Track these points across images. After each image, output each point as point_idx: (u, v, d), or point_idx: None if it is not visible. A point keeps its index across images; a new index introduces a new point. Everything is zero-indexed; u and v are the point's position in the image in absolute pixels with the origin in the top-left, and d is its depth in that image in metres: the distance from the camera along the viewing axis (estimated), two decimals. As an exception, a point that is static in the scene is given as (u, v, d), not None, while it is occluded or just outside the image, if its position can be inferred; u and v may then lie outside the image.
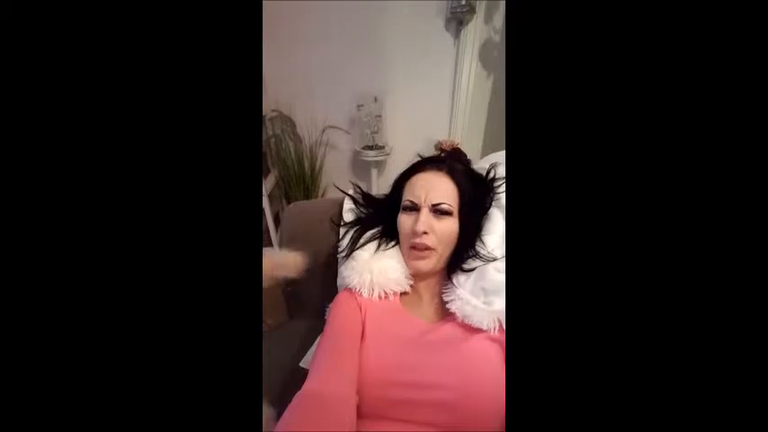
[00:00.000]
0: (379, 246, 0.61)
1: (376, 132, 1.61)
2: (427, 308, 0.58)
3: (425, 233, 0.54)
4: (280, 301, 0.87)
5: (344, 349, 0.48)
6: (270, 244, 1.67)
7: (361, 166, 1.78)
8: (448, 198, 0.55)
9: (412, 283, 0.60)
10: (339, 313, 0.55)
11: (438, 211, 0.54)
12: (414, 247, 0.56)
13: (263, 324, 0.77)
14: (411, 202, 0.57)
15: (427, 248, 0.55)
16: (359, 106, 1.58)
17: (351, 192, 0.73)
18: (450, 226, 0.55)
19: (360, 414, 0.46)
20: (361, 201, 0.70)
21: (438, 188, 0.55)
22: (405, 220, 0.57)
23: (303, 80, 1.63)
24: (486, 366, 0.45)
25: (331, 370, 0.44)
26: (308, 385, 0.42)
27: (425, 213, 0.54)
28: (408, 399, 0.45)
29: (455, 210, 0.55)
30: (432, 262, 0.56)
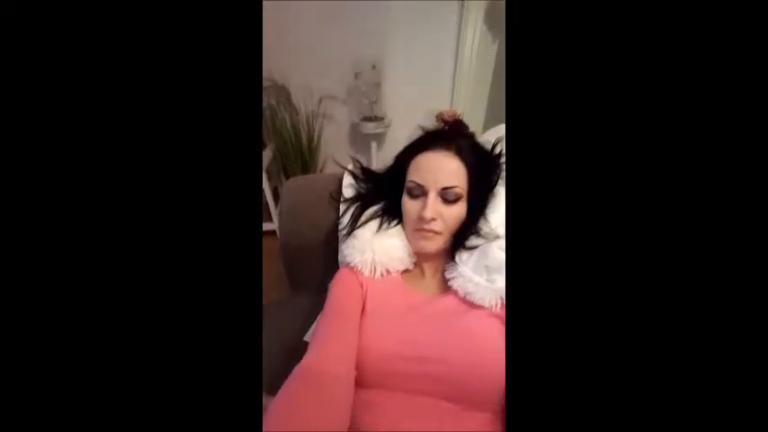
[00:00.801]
0: (381, 224, 0.60)
1: (375, 102, 1.55)
2: (429, 282, 0.58)
3: (433, 219, 0.51)
4: (281, 277, 0.87)
5: (343, 326, 0.48)
6: (269, 219, 1.66)
7: (360, 139, 1.73)
8: (457, 180, 0.51)
9: (415, 260, 0.59)
10: (339, 290, 0.54)
11: (447, 197, 0.52)
12: (419, 230, 0.54)
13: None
14: (417, 184, 0.53)
15: (434, 232, 0.53)
16: (356, 74, 1.50)
17: (350, 166, 0.71)
18: (459, 210, 0.53)
19: (361, 384, 0.48)
20: (360, 176, 0.68)
21: (447, 170, 0.52)
22: (410, 205, 0.54)
23: (297, 46, 1.54)
24: (487, 343, 0.46)
25: (329, 346, 0.44)
26: (306, 360, 0.42)
27: (433, 198, 0.51)
28: (408, 371, 0.46)
29: (464, 193, 0.52)
30: (438, 243, 0.54)
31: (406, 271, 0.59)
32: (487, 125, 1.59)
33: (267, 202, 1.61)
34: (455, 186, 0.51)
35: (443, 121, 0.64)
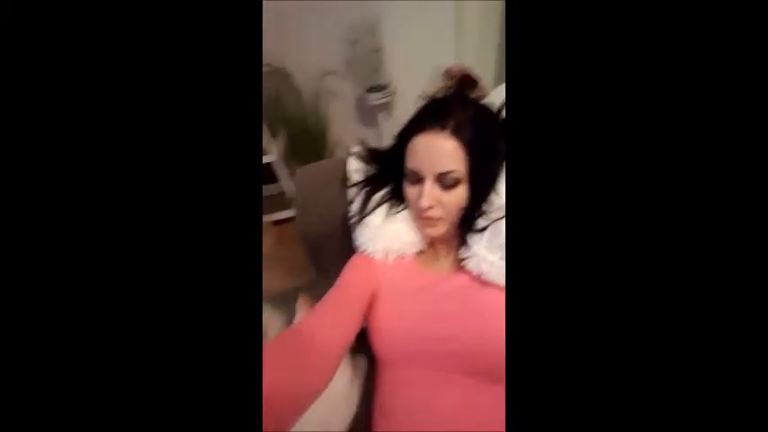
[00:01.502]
0: (389, 209, 0.59)
1: (377, 70, 1.48)
2: (443, 263, 0.57)
3: (431, 207, 0.49)
4: (306, 263, 0.90)
5: (343, 300, 0.49)
6: (288, 206, 1.69)
7: (367, 112, 1.68)
8: (454, 164, 0.47)
9: (428, 240, 0.59)
10: (348, 273, 0.55)
11: (445, 182, 0.48)
12: (421, 217, 0.53)
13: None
14: (413, 171, 0.50)
15: (435, 219, 0.52)
16: (353, 42, 1.43)
17: (355, 148, 0.69)
18: (460, 194, 0.49)
19: (391, 362, 0.50)
20: (366, 158, 0.66)
21: (442, 154, 0.47)
22: (410, 191, 0.53)
23: (287, 23, 1.47)
24: (502, 319, 0.46)
25: (324, 317, 0.45)
26: (299, 324, 0.43)
27: (430, 186, 0.48)
28: (428, 350, 0.48)
29: (464, 175, 0.48)
30: (442, 228, 0.53)
31: (420, 252, 0.60)
32: (496, 82, 1.48)
33: (284, 191, 1.64)
34: (452, 171, 0.47)
35: (452, 77, 0.60)
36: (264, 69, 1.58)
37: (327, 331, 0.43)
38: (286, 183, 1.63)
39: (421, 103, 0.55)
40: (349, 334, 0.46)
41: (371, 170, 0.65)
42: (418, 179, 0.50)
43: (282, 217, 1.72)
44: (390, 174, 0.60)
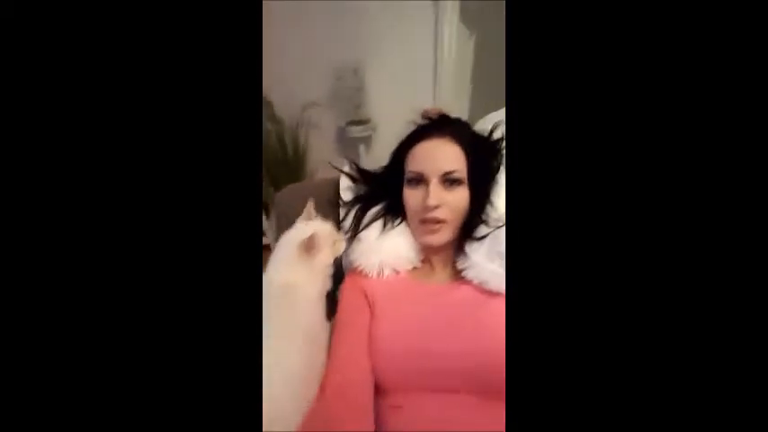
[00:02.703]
0: (385, 224, 0.58)
1: (359, 107, 1.54)
2: (440, 275, 0.56)
3: (437, 207, 0.50)
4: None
5: (354, 336, 0.49)
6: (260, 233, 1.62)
7: (347, 144, 1.71)
8: (457, 164, 0.51)
9: (422, 257, 0.57)
10: (345, 302, 0.54)
11: (449, 180, 0.51)
12: (424, 222, 0.52)
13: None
14: (417, 173, 0.52)
15: (439, 222, 0.51)
16: (338, 78, 1.49)
17: (346, 168, 0.68)
18: (462, 195, 0.51)
19: (383, 388, 0.46)
20: (358, 177, 0.65)
21: (446, 155, 0.51)
22: (412, 195, 0.53)
23: (275, 56, 1.52)
24: None
25: (345, 358, 0.47)
26: (326, 378, 0.45)
27: (435, 185, 0.50)
28: (435, 368, 0.45)
29: (465, 176, 0.51)
30: (445, 235, 0.53)
31: (414, 269, 0.57)
32: (472, 118, 1.59)
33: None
34: (456, 170, 0.50)
35: (428, 118, 0.63)
36: (246, 97, 1.58)
37: (353, 374, 0.45)
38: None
39: (410, 127, 0.59)
40: (369, 365, 0.46)
41: (363, 188, 0.64)
42: (420, 182, 0.52)
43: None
44: (384, 190, 0.60)
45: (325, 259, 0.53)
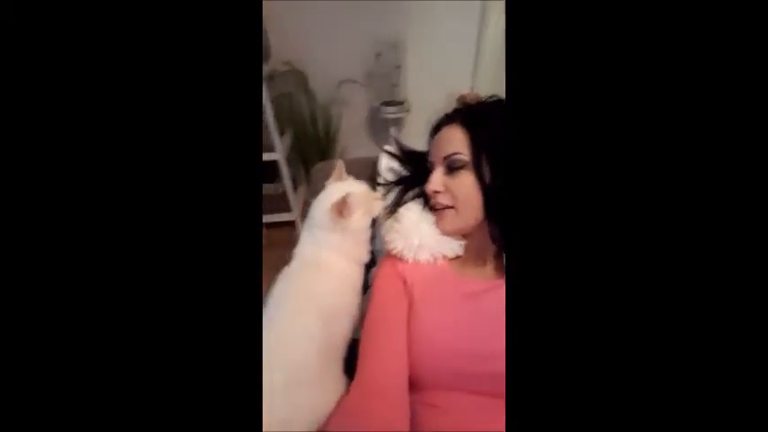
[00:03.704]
0: (424, 206, 0.56)
1: (396, 85, 1.50)
2: (483, 270, 0.54)
3: (437, 192, 0.50)
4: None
5: (389, 331, 0.47)
6: (288, 209, 1.63)
7: (378, 125, 1.68)
8: (458, 147, 0.49)
9: (464, 244, 0.55)
10: (381, 291, 0.52)
11: (451, 165, 0.49)
12: (433, 208, 0.53)
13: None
14: (429, 162, 0.53)
15: (445, 207, 0.50)
16: (377, 55, 1.45)
17: (389, 147, 0.66)
18: (466, 180, 0.48)
19: (419, 384, 0.45)
20: (402, 157, 0.63)
21: (448, 141, 0.50)
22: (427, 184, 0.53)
23: (315, 27, 1.48)
24: None
25: (381, 358, 0.45)
26: (360, 376, 0.43)
27: (438, 171, 0.51)
28: (468, 369, 0.43)
29: (469, 160, 0.48)
30: (454, 221, 0.50)
31: (453, 259, 0.56)
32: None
33: (285, 191, 1.58)
34: (455, 153, 0.48)
35: (465, 104, 0.60)
36: (283, 69, 1.57)
37: (389, 377, 0.43)
38: (287, 184, 1.58)
39: (437, 116, 0.57)
40: (405, 364, 0.45)
41: (406, 169, 0.62)
42: (432, 170, 0.52)
43: (277, 220, 1.65)
44: (425, 173, 0.58)
45: (360, 220, 0.51)
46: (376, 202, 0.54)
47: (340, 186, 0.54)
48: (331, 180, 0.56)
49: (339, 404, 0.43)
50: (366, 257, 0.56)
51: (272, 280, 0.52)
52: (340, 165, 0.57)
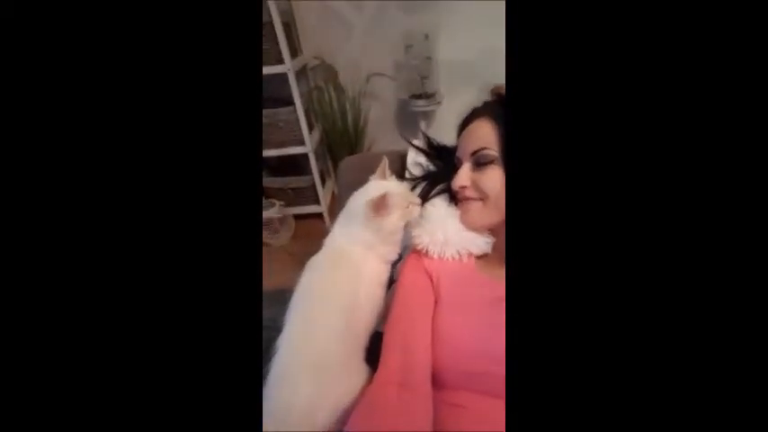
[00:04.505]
0: (450, 203, 0.54)
1: (426, 78, 1.46)
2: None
3: (464, 187, 0.49)
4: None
5: (414, 329, 0.46)
6: (316, 202, 1.66)
7: (407, 118, 1.66)
8: (486, 142, 0.47)
9: (492, 243, 0.53)
10: (406, 284, 0.51)
11: (478, 161, 0.48)
12: (459, 203, 0.52)
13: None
14: (457, 158, 0.52)
15: (470, 199, 0.50)
16: (407, 47, 1.42)
17: (417, 142, 0.65)
18: (495, 175, 0.47)
19: (443, 383, 0.44)
20: (430, 152, 0.62)
21: (476, 135, 0.49)
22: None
23: (344, 18, 1.48)
24: None
25: (404, 355, 0.44)
26: (382, 373, 0.43)
27: (465, 167, 0.50)
28: (490, 372, 0.41)
29: (498, 155, 0.47)
30: (481, 215, 0.49)
31: (483, 256, 0.54)
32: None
33: (315, 184, 1.61)
34: (483, 148, 0.47)
35: (498, 96, 0.57)
36: (313, 62, 1.59)
37: (411, 375, 0.43)
38: (315, 177, 1.60)
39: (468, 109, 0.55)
40: (429, 362, 0.44)
41: (434, 164, 0.61)
42: (458, 166, 0.51)
43: (306, 212, 1.69)
44: (453, 168, 0.56)
45: (395, 222, 0.51)
46: (414, 207, 0.53)
47: (381, 184, 0.54)
48: (375, 176, 0.56)
49: (362, 395, 0.43)
50: (395, 257, 0.56)
51: (300, 269, 0.53)
52: (384, 161, 0.56)
